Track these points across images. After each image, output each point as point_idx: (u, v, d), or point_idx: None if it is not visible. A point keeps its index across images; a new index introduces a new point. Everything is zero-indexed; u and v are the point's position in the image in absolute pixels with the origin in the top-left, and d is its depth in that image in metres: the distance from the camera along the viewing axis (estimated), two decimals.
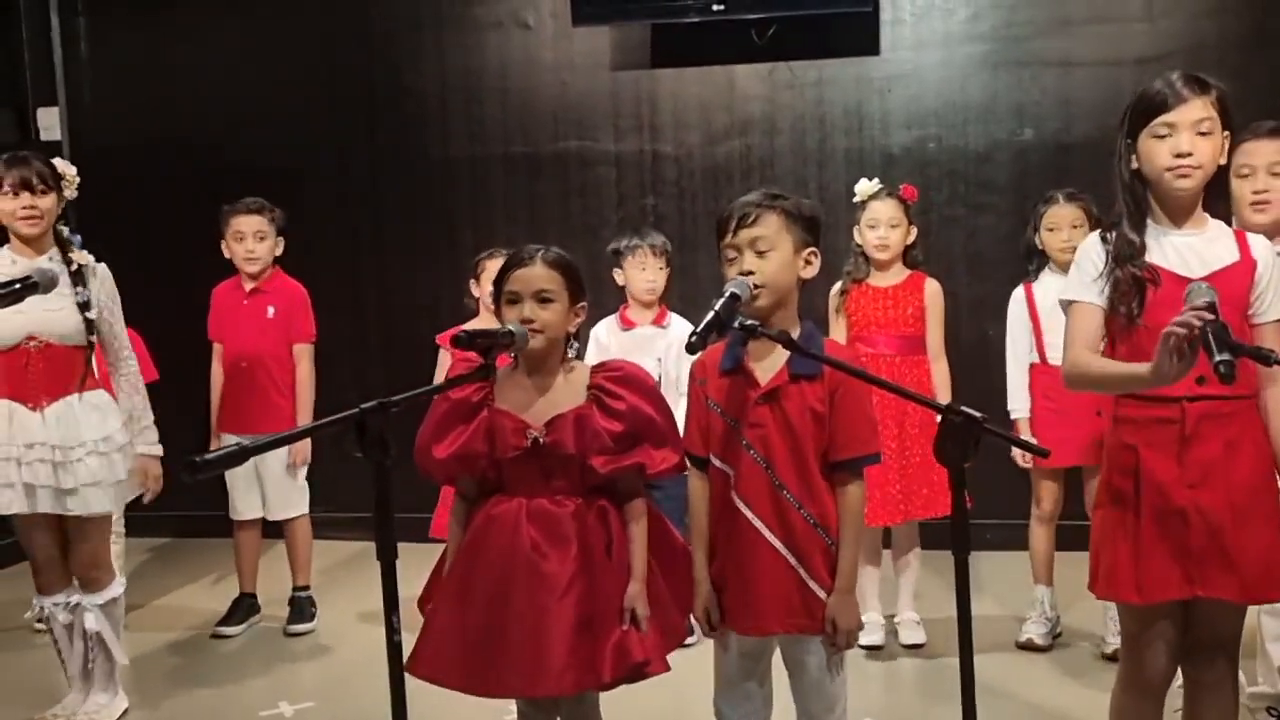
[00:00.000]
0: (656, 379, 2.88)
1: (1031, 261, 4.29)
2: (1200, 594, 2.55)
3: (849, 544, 2.56)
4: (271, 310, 4.65)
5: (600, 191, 5.69)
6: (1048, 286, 4.17)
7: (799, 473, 2.54)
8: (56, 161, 3.79)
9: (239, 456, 2.02)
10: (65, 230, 3.79)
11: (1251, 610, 2.87)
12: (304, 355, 4.66)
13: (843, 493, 2.57)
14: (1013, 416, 4.27)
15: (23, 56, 6.03)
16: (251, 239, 4.60)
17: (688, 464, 2.67)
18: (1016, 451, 4.08)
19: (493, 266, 4.30)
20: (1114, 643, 4.04)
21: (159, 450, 3.76)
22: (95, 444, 3.63)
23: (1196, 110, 2.49)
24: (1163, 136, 2.52)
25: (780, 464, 2.54)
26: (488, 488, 2.65)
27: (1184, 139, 2.50)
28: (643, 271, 4.37)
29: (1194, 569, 2.53)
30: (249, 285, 4.66)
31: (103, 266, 3.75)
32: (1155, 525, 2.54)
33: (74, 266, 3.65)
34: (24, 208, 3.63)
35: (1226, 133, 2.54)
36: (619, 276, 4.38)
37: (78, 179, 3.84)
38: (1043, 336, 4.23)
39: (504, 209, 5.69)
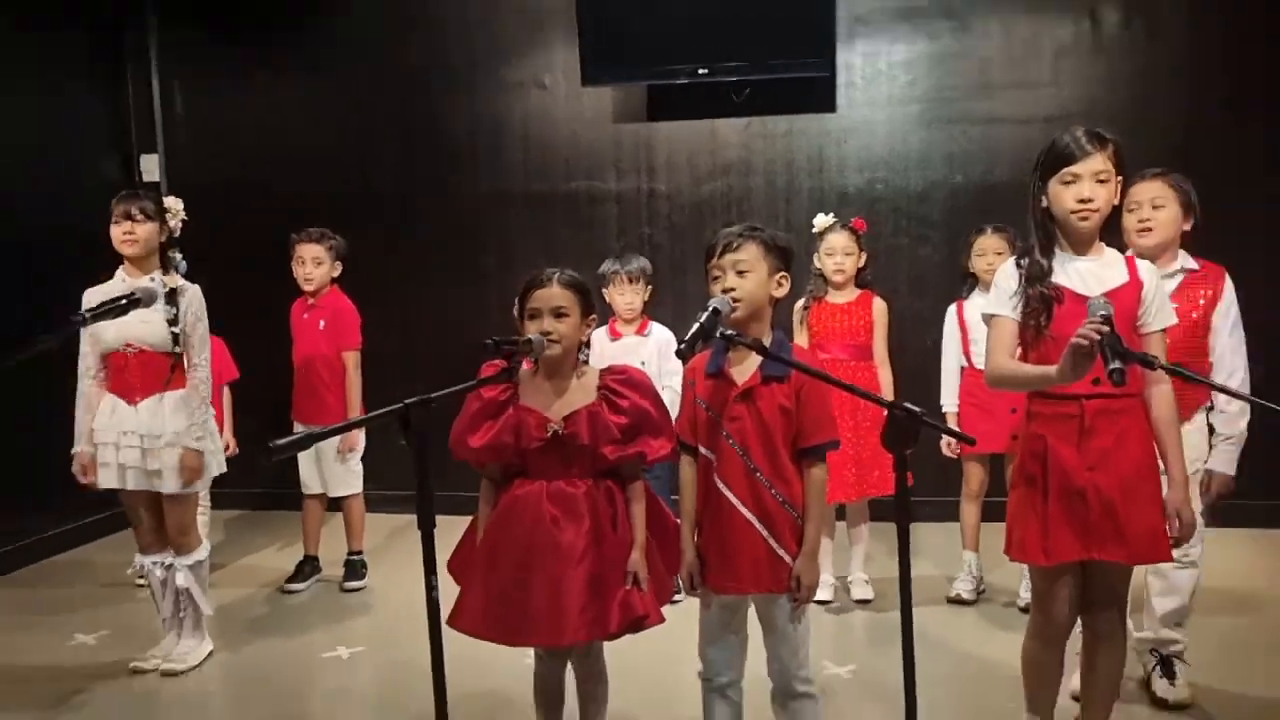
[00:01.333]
0: None
1: (965, 283, 4.33)
2: (1097, 557, 2.58)
3: (814, 517, 2.58)
4: (323, 323, 4.65)
5: (604, 224, 5.70)
6: (975, 304, 4.22)
7: (770, 459, 2.55)
8: (167, 199, 3.83)
9: (305, 442, 2.06)
10: (176, 256, 3.82)
11: (1139, 571, 2.90)
12: (350, 361, 4.64)
13: (808, 474, 2.58)
14: (943, 410, 4.31)
15: (129, 112, 6.05)
16: (310, 263, 4.61)
17: (680, 450, 2.68)
18: (944, 441, 4.11)
19: None
20: (1028, 598, 4.08)
21: (198, 446, 3.68)
22: (175, 435, 3.65)
23: (1097, 163, 2.52)
24: (1069, 183, 2.55)
25: (755, 451, 2.55)
26: (511, 472, 2.66)
27: (1086, 187, 2.53)
28: (621, 296, 4.37)
29: (1091, 537, 2.56)
30: (310, 301, 4.68)
31: (193, 288, 3.76)
32: (1060, 501, 2.57)
33: (168, 289, 3.67)
34: (124, 233, 3.67)
35: (1120, 178, 2.57)
36: (606, 295, 4.37)
37: (183, 211, 3.86)
38: (969, 345, 4.27)
39: (523, 239, 5.71)
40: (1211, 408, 3.23)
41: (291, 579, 4.78)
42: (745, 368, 2.59)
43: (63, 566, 5.23)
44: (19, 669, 3.89)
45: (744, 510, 2.56)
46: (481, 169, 5.83)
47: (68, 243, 3.99)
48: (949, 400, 4.33)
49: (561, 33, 5.54)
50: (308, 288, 4.64)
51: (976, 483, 4.34)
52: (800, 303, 4.27)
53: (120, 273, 3.70)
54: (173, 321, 3.66)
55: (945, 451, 4.21)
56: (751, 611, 2.71)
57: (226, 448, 4.39)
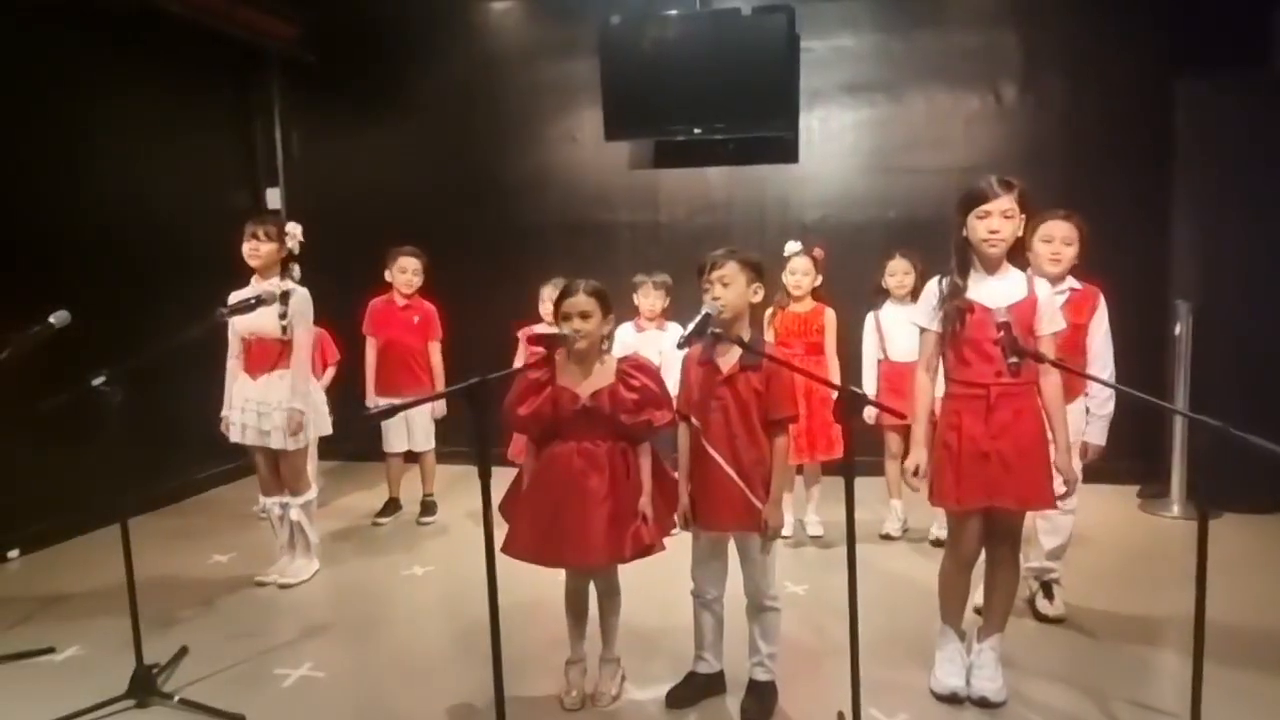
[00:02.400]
0: (658, 364, 2.87)
1: (879, 296, 4.30)
2: (997, 504, 2.57)
3: (779, 474, 2.58)
4: (417, 319, 4.63)
5: (620, 247, 5.65)
6: (886, 312, 4.26)
7: (746, 428, 2.54)
8: (289, 224, 3.78)
9: (389, 413, 2.08)
10: (294, 267, 3.79)
11: (1029, 515, 2.88)
12: (435, 349, 4.64)
13: (774, 441, 2.57)
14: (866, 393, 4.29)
15: (256, 155, 6.02)
16: (410, 273, 4.59)
17: (678, 420, 2.66)
18: (869, 412, 4.05)
19: (544, 290, 4.32)
20: (936, 533, 4.15)
21: (301, 409, 3.64)
22: (279, 403, 3.63)
23: (1005, 203, 2.50)
24: (982, 218, 2.52)
25: (734, 423, 2.55)
26: (548, 435, 2.64)
27: (995, 221, 2.51)
28: (646, 299, 4.36)
29: (994, 489, 2.55)
30: (402, 301, 4.63)
31: (301, 290, 3.71)
32: (970, 462, 2.56)
33: (281, 291, 3.63)
34: (250, 249, 3.65)
35: (1023, 215, 2.54)
36: (635, 298, 4.36)
37: (300, 235, 3.81)
38: (885, 344, 4.26)
39: (559, 257, 5.60)
40: (1088, 394, 3.21)
41: (379, 514, 4.76)
42: (729, 359, 2.58)
43: (202, 503, 5.22)
44: (171, 580, 3.89)
45: (726, 467, 2.55)
46: (528, 203, 5.78)
47: (210, 254, 3.97)
48: (869, 385, 4.29)
49: (589, 101, 5.48)
50: (407, 291, 4.60)
51: (896, 446, 4.31)
52: (768, 311, 4.23)
53: (254, 279, 3.69)
54: (283, 315, 3.63)
55: (868, 420, 4.17)
56: (731, 544, 2.69)
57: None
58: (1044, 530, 3.31)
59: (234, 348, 3.72)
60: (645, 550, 2.58)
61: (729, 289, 2.54)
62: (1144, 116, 4.96)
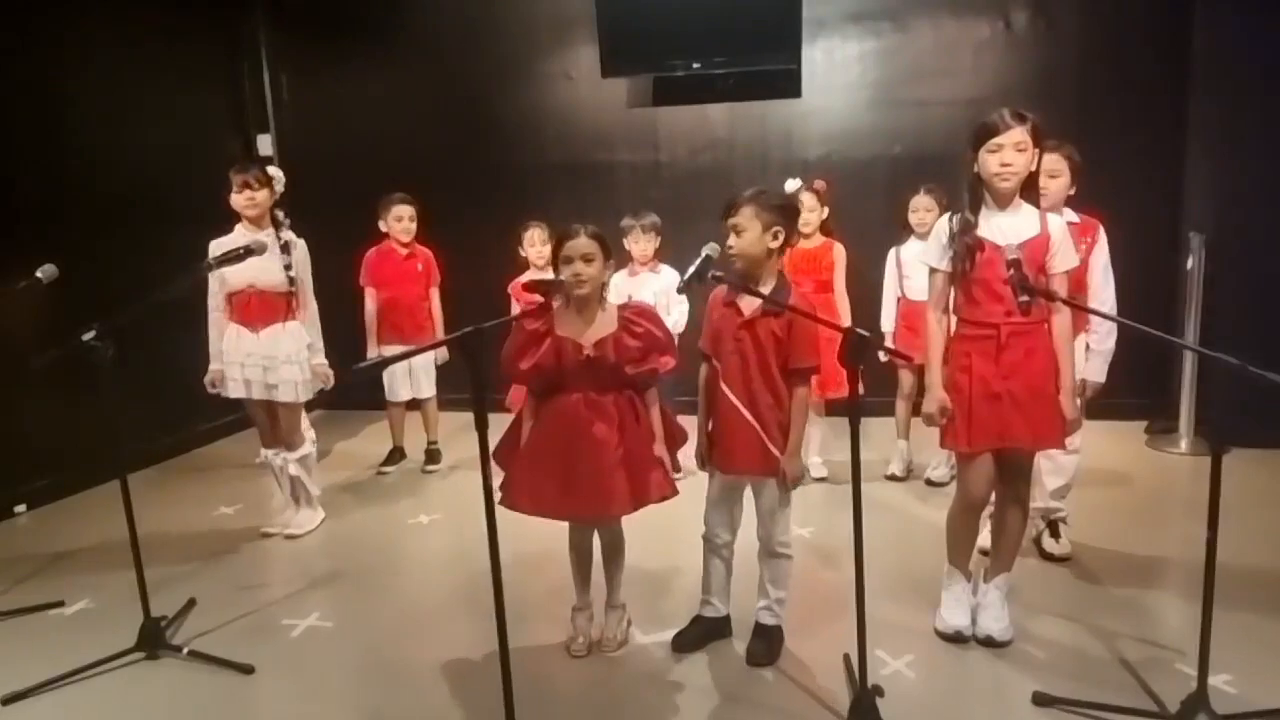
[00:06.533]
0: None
1: (902, 232, 4.23)
2: (1009, 445, 2.55)
3: (797, 425, 2.54)
4: (420, 266, 4.59)
5: (619, 187, 5.55)
6: (909, 248, 4.15)
7: (763, 373, 2.51)
8: (270, 168, 3.68)
9: (380, 365, 2.06)
10: (280, 214, 3.71)
11: (1037, 459, 2.86)
12: (435, 295, 4.62)
13: (795, 391, 2.53)
14: (883, 330, 4.27)
15: (246, 101, 5.89)
16: (407, 220, 4.52)
17: (701, 358, 2.62)
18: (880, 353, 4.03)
19: (531, 233, 4.26)
20: (933, 474, 4.20)
21: (324, 362, 3.69)
22: (289, 356, 3.60)
23: (1017, 135, 2.43)
24: (993, 151, 2.45)
25: (752, 366, 2.51)
26: (550, 386, 2.59)
27: (1008, 154, 2.44)
28: (637, 244, 4.30)
29: (1005, 429, 2.53)
30: (403, 251, 4.57)
31: (301, 242, 3.67)
32: (980, 403, 2.53)
33: (282, 241, 3.58)
34: (245, 199, 3.55)
35: (1037, 149, 2.47)
36: (625, 244, 4.29)
37: (284, 180, 3.72)
38: (903, 281, 4.19)
39: (557, 199, 5.54)
40: (1089, 330, 3.16)
41: (384, 464, 4.76)
42: (751, 301, 2.52)
43: (206, 456, 5.23)
44: (179, 532, 3.91)
45: (741, 409, 2.52)
46: (524, 144, 5.67)
47: (205, 204, 3.88)
48: (887, 322, 4.29)
49: (585, 36, 5.35)
50: (405, 239, 4.55)
51: (909, 386, 4.29)
52: None
53: (239, 227, 3.60)
54: (288, 267, 3.59)
55: (881, 358, 4.14)
56: (747, 490, 2.67)
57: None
58: (1048, 470, 3.29)
59: (217, 299, 3.63)
60: (664, 498, 2.57)
61: (742, 236, 2.47)
62: (1161, 41, 4.83)
